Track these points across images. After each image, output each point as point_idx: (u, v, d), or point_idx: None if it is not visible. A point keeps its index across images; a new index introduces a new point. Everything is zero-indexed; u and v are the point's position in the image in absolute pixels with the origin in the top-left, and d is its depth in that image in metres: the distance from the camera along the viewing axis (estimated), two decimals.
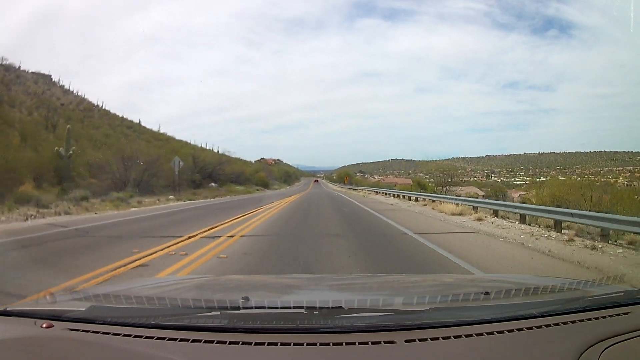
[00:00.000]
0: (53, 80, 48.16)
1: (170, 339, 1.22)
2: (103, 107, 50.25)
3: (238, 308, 1.36)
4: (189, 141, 58.94)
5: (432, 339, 1.22)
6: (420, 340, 1.21)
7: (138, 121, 54.32)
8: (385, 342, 1.20)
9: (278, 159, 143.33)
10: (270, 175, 77.15)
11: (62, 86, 48.66)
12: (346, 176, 69.07)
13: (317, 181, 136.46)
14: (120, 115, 51.92)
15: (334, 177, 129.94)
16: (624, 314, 1.45)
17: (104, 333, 1.26)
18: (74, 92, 49.02)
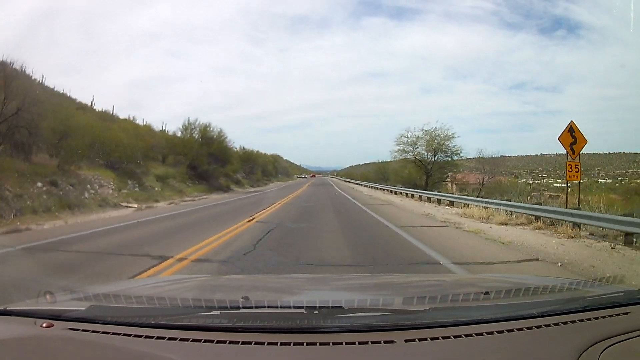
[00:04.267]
0: None
1: (170, 339, 1.21)
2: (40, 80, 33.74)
3: (238, 308, 1.36)
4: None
5: (432, 338, 1.22)
6: (420, 340, 1.21)
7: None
8: (385, 342, 1.20)
9: (277, 155, 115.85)
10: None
11: None
12: None
13: (314, 176, 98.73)
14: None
15: (365, 175, 59.21)
16: (624, 314, 1.45)
17: (104, 333, 1.26)
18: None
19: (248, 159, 49.68)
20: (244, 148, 51.18)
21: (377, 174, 47.73)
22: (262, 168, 58.70)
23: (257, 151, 61.01)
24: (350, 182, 62.55)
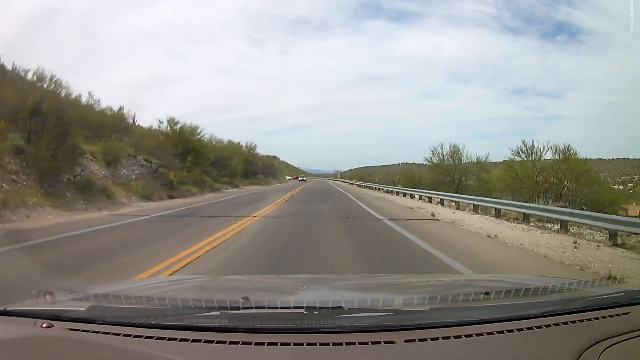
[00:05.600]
0: None
1: (170, 339, 1.21)
2: None
3: (238, 308, 1.36)
4: None
5: (432, 339, 1.22)
6: (420, 340, 1.21)
7: None
8: (385, 342, 1.20)
9: (275, 156, 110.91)
10: None
11: None
12: None
13: (304, 179, 76.48)
14: None
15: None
16: (624, 314, 1.45)
17: (104, 333, 1.26)
18: None
19: (182, 143, 25.40)
20: (176, 123, 26.72)
21: (441, 175, 30.95)
22: (221, 163, 34.51)
23: (209, 136, 33.36)
24: (371, 187, 39.72)
